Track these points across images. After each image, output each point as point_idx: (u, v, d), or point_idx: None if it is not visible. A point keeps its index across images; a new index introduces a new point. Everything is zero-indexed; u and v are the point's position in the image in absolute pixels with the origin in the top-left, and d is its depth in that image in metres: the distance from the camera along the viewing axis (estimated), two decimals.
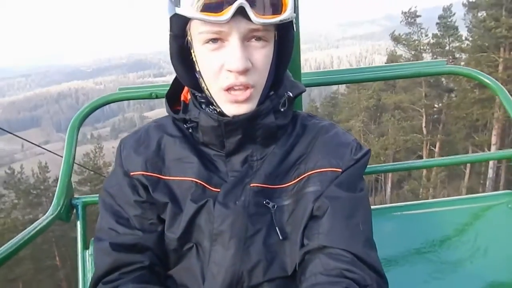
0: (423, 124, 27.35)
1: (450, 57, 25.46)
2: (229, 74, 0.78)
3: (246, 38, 0.77)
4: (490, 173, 23.51)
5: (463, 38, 26.28)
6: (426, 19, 28.51)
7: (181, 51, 0.82)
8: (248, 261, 0.81)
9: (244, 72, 0.77)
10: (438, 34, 26.84)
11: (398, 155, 28.49)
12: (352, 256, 0.77)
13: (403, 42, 27.03)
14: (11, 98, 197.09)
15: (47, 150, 9.30)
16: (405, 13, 27.48)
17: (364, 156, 0.89)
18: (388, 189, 30.76)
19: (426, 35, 27.37)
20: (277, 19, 0.75)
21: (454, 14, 26.78)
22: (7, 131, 8.18)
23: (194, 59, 0.83)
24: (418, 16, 27.23)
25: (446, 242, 1.34)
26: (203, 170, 0.86)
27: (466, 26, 25.90)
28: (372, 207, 0.90)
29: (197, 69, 0.83)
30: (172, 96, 0.94)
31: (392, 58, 28.15)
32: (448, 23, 26.49)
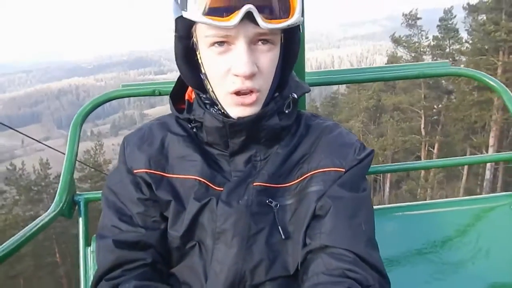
0: (422, 126, 27.44)
1: (450, 59, 25.49)
2: (235, 78, 0.77)
3: (252, 42, 0.76)
4: (488, 174, 23.60)
5: (463, 40, 26.34)
6: (427, 21, 28.54)
7: (186, 52, 0.82)
8: (250, 260, 0.81)
9: (251, 76, 0.77)
10: (439, 36, 26.89)
11: (397, 155, 28.55)
12: (354, 256, 0.76)
13: (403, 44, 27.11)
14: (12, 94, 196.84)
15: (49, 146, 9.19)
16: (406, 15, 27.54)
17: (368, 156, 0.89)
18: (387, 189, 30.82)
19: (427, 38, 27.41)
20: (285, 23, 0.74)
21: (455, 16, 26.81)
22: (9, 127, 8.13)
23: (199, 61, 0.82)
24: (418, 18, 27.27)
25: (448, 243, 1.33)
26: (207, 169, 0.86)
27: (466, 30, 25.96)
28: (374, 207, 0.91)
29: (203, 71, 0.82)
30: (176, 94, 0.94)
31: (393, 59, 28.17)
32: (449, 25, 26.54)
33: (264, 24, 0.72)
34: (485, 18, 23.35)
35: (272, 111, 0.84)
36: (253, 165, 0.87)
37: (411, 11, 27.60)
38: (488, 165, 22.83)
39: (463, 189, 24.99)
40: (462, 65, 23.54)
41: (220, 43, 0.76)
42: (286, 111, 0.87)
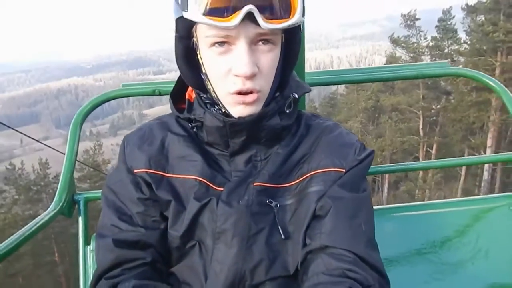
0: (420, 126, 27.51)
1: (449, 59, 25.51)
2: (236, 79, 0.77)
3: (253, 42, 0.76)
4: (486, 175, 23.67)
5: (462, 41, 26.40)
6: (426, 21, 28.53)
7: (187, 52, 0.82)
8: (250, 260, 0.81)
9: (251, 77, 0.77)
10: (437, 37, 26.94)
11: (395, 156, 28.59)
12: (355, 256, 0.76)
13: (402, 44, 27.17)
14: (11, 93, 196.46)
15: (49, 146, 9.15)
16: (405, 15, 27.60)
17: (368, 156, 0.89)
18: (385, 190, 30.87)
19: (425, 38, 27.46)
20: (285, 24, 0.74)
21: (453, 17, 26.83)
22: (9, 127, 8.12)
23: (200, 61, 0.82)
24: (417, 19, 27.32)
25: (447, 243, 1.33)
26: (207, 169, 0.86)
27: (464, 30, 26.02)
28: (373, 207, 0.91)
29: (203, 71, 0.82)
30: (176, 93, 0.94)
31: (391, 60, 28.22)
32: (447, 26, 26.58)
33: (265, 24, 0.72)
34: (483, 18, 23.43)
35: (273, 111, 0.84)
36: (254, 165, 0.87)
37: (409, 12, 27.64)
38: (486, 166, 22.90)
39: (461, 190, 25.03)
40: (460, 66, 23.58)
41: (221, 43, 0.76)
42: (287, 111, 0.87)
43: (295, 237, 0.83)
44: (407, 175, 28.20)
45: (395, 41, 27.45)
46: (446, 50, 26.52)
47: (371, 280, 0.75)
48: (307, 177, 0.86)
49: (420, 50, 26.80)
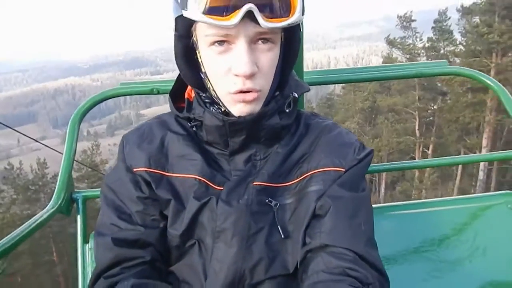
0: (416, 127, 27.66)
1: (445, 60, 25.48)
2: (236, 79, 0.77)
3: (253, 41, 0.76)
4: (481, 175, 23.82)
5: (458, 42, 26.55)
6: (423, 21, 28.70)
7: (186, 51, 0.81)
8: (250, 259, 0.81)
9: (251, 76, 0.76)
10: (433, 38, 27.06)
11: (392, 156, 28.72)
12: (354, 255, 0.77)
13: (398, 46, 27.30)
14: (8, 93, 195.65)
15: (46, 146, 9.08)
16: (401, 17, 27.74)
17: (367, 156, 0.89)
18: (382, 190, 31.01)
19: (421, 40, 27.61)
20: (285, 22, 0.74)
21: (449, 18, 26.96)
22: (8, 126, 8.04)
23: (199, 60, 0.82)
24: (413, 21, 27.45)
25: (445, 241, 1.34)
26: (207, 168, 0.86)
27: (459, 32, 26.16)
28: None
29: (203, 70, 0.82)
30: (176, 92, 0.94)
31: (388, 61, 28.31)
32: (443, 27, 26.72)
33: (264, 23, 0.72)
34: (478, 20, 23.58)
35: (272, 111, 0.84)
36: (253, 164, 0.87)
37: (405, 13, 27.79)
38: (481, 165, 23.05)
39: (457, 189, 25.18)
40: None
41: (220, 42, 0.76)
42: (287, 110, 0.87)
43: (295, 236, 0.83)
44: (404, 175, 28.33)
45: (391, 43, 27.60)
46: (442, 51, 26.64)
47: (371, 278, 0.75)
48: (306, 176, 0.86)
49: (416, 51, 26.93)
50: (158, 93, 1.37)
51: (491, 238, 1.35)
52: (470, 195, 1.57)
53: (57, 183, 1.27)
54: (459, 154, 24.05)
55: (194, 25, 0.78)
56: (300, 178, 0.86)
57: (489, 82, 1.46)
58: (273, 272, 0.82)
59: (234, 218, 0.82)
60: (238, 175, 0.86)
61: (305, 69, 1.37)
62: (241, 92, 0.78)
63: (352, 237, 0.79)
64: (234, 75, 0.77)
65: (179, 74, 0.89)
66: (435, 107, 27.72)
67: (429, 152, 27.07)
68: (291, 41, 0.83)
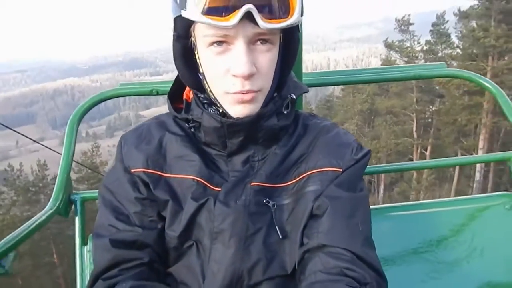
0: (414, 129, 27.79)
1: (443, 62, 25.55)
2: (235, 79, 0.77)
3: (251, 42, 0.76)
4: (478, 176, 23.96)
5: (455, 45, 26.69)
6: (422, 24, 28.76)
7: (185, 51, 0.81)
8: (248, 260, 0.81)
9: (249, 77, 0.76)
10: (431, 41, 27.21)
11: (390, 157, 28.82)
12: (352, 255, 0.76)
13: (396, 49, 27.43)
14: (7, 93, 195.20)
15: (46, 146, 9.11)
16: (399, 20, 27.88)
17: (365, 156, 0.89)
18: (381, 191, 31.09)
19: (419, 43, 27.74)
20: (284, 23, 0.74)
21: (447, 21, 27.08)
22: (7, 127, 7.96)
23: (197, 60, 0.81)
24: (411, 24, 27.60)
25: (443, 242, 1.34)
26: (204, 169, 0.86)
27: (456, 35, 26.31)
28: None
29: (201, 71, 0.82)
30: (174, 93, 0.93)
31: (386, 63, 28.44)
32: (441, 30, 26.86)
33: (263, 24, 0.72)
34: (475, 24, 23.74)
35: (271, 112, 0.84)
36: (251, 165, 0.87)
37: (403, 17, 27.92)
38: (478, 167, 23.18)
39: (454, 191, 25.27)
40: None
41: (219, 42, 0.76)
42: (285, 112, 0.87)
43: (293, 236, 0.83)
44: (402, 176, 28.41)
45: (389, 46, 27.74)
46: (440, 54, 26.77)
47: (368, 278, 0.75)
48: (304, 176, 0.86)
49: (414, 54, 27.07)
50: (158, 94, 1.37)
51: (489, 239, 1.35)
52: (468, 196, 1.56)
53: (56, 184, 1.26)
54: (457, 155, 24.17)
55: (193, 26, 0.78)
56: (298, 179, 0.86)
57: (487, 84, 1.47)
58: (271, 272, 0.82)
59: (232, 219, 0.82)
60: (236, 176, 0.86)
61: (304, 71, 1.37)
62: (240, 92, 0.78)
63: (350, 237, 0.79)
64: (233, 75, 0.76)
65: (178, 75, 0.89)
66: (432, 109, 27.87)
67: (427, 153, 27.18)
68: (290, 42, 0.84)
